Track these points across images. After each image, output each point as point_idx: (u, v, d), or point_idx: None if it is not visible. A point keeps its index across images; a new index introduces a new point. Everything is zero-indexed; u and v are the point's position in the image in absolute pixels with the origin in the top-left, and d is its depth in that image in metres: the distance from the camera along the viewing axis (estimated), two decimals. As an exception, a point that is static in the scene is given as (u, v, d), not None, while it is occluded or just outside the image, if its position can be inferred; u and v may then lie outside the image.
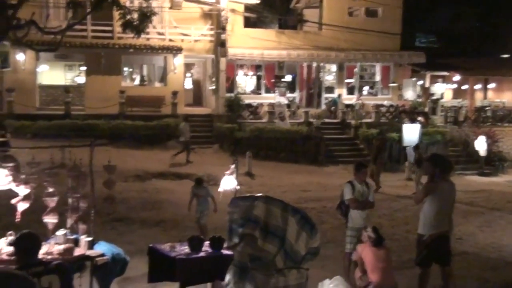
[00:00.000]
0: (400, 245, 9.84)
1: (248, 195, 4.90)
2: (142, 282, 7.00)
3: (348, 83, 27.39)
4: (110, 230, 10.06)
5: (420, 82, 29.64)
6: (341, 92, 26.62)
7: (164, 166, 17.54)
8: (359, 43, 25.41)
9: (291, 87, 26.59)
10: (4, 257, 5.06)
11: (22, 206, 5.65)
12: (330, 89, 27.20)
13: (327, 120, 24.50)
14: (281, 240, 4.36)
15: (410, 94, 27.41)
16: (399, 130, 21.21)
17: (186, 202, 10.00)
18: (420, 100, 27.72)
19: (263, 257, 4.34)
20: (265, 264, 4.32)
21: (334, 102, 25.95)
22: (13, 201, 5.67)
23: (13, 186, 5.46)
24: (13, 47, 21.69)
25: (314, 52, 25.19)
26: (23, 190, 5.58)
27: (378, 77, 27.98)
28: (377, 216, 11.41)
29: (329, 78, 27.80)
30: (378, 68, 27.80)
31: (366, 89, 27.99)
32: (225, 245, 5.95)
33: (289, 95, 26.09)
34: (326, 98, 26.68)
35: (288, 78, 26.57)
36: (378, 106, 25.24)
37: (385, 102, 26.31)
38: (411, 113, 24.62)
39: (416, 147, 17.44)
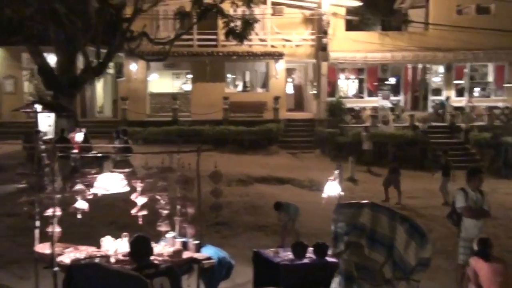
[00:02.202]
0: (519, 258, 9.09)
1: (353, 201, 4.76)
2: (246, 286, 7.08)
3: (457, 85, 26.00)
4: (214, 233, 10.32)
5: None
6: (450, 94, 25.36)
7: (267, 171, 17.70)
8: (469, 42, 24.00)
9: (395, 90, 25.84)
10: (120, 257, 5.34)
11: (140, 201, 5.93)
12: (437, 91, 26.00)
13: (434, 124, 23.44)
14: (389, 249, 4.19)
15: (528, 95, 25.46)
16: (516, 134, 19.80)
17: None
18: (540, 100, 25.62)
19: (370, 266, 4.19)
20: (372, 274, 4.17)
21: (441, 105, 24.79)
22: (133, 211, 5.97)
23: (128, 188, 5.75)
24: (127, 58, 23.16)
25: (420, 53, 24.25)
26: (140, 199, 5.87)
27: (491, 78, 26.28)
28: (492, 226, 10.67)
29: (436, 79, 26.60)
30: (491, 68, 26.13)
31: (477, 90, 26.40)
32: (329, 252, 5.84)
33: (393, 98, 25.37)
34: (433, 101, 25.54)
35: (392, 80, 25.86)
36: (491, 108, 23.75)
37: (500, 104, 24.69)
38: (529, 115, 22.86)
39: (444, 152, 16.01)
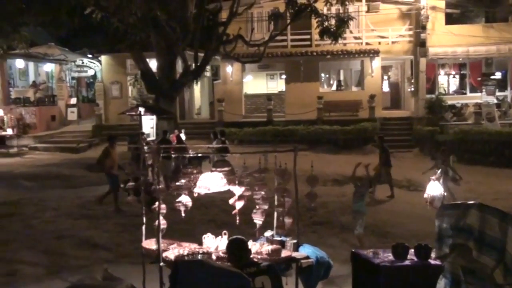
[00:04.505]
0: None
1: (459, 202, 4.55)
2: (345, 286, 6.99)
3: None
4: (311, 233, 10.29)
5: None
6: None
7: (362, 171, 17.31)
8: None
9: (501, 84, 24.33)
10: (221, 254, 5.47)
11: (238, 205, 6.05)
12: (549, 85, 24.19)
13: (546, 120, 21.80)
14: (499, 252, 3.95)
15: None
16: None
17: (393, 209, 9.65)
18: None
19: (478, 270, 3.99)
20: (481, 278, 3.96)
21: (554, 100, 23.00)
22: (231, 201, 6.11)
23: (228, 187, 5.88)
24: (223, 60, 23.79)
25: (530, 44, 22.68)
26: (238, 191, 5.99)
27: None
28: None
29: (548, 72, 24.75)
30: None
31: None
32: (432, 254, 5.61)
33: (498, 93, 23.93)
34: (545, 96, 23.77)
35: (497, 75, 24.38)
36: None
37: None
38: None
39: (443, 151, 14.09)
